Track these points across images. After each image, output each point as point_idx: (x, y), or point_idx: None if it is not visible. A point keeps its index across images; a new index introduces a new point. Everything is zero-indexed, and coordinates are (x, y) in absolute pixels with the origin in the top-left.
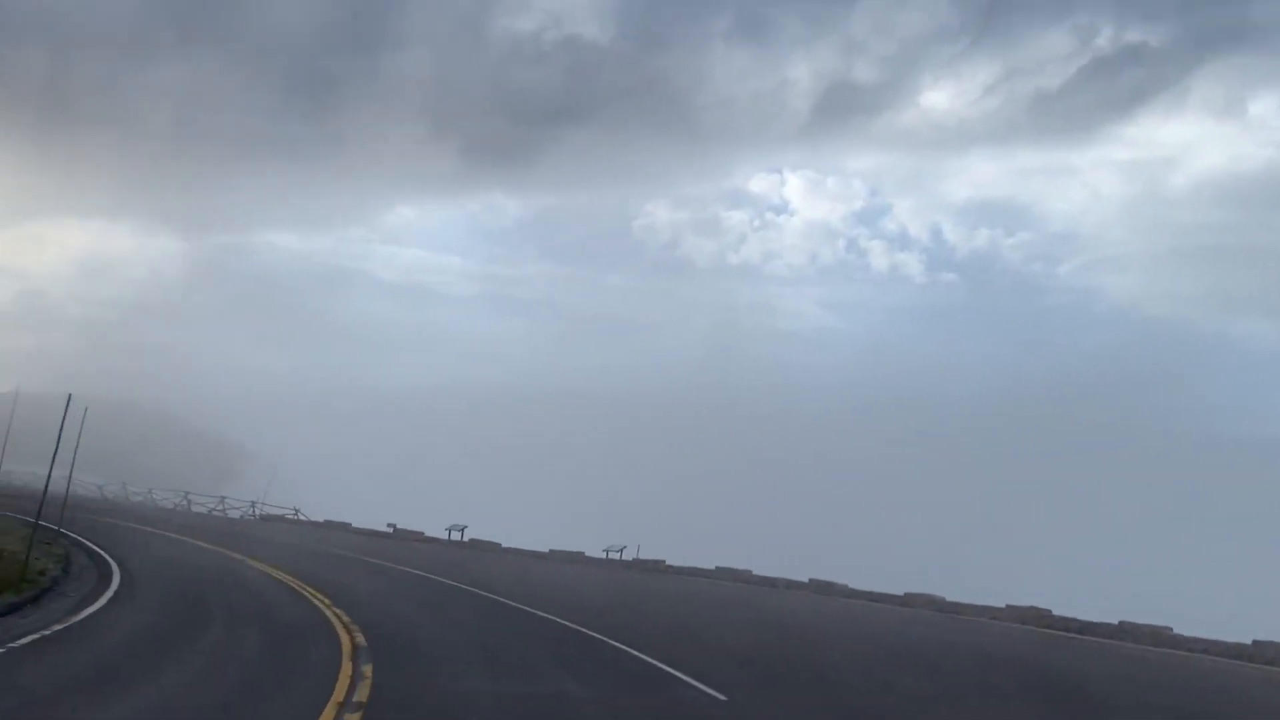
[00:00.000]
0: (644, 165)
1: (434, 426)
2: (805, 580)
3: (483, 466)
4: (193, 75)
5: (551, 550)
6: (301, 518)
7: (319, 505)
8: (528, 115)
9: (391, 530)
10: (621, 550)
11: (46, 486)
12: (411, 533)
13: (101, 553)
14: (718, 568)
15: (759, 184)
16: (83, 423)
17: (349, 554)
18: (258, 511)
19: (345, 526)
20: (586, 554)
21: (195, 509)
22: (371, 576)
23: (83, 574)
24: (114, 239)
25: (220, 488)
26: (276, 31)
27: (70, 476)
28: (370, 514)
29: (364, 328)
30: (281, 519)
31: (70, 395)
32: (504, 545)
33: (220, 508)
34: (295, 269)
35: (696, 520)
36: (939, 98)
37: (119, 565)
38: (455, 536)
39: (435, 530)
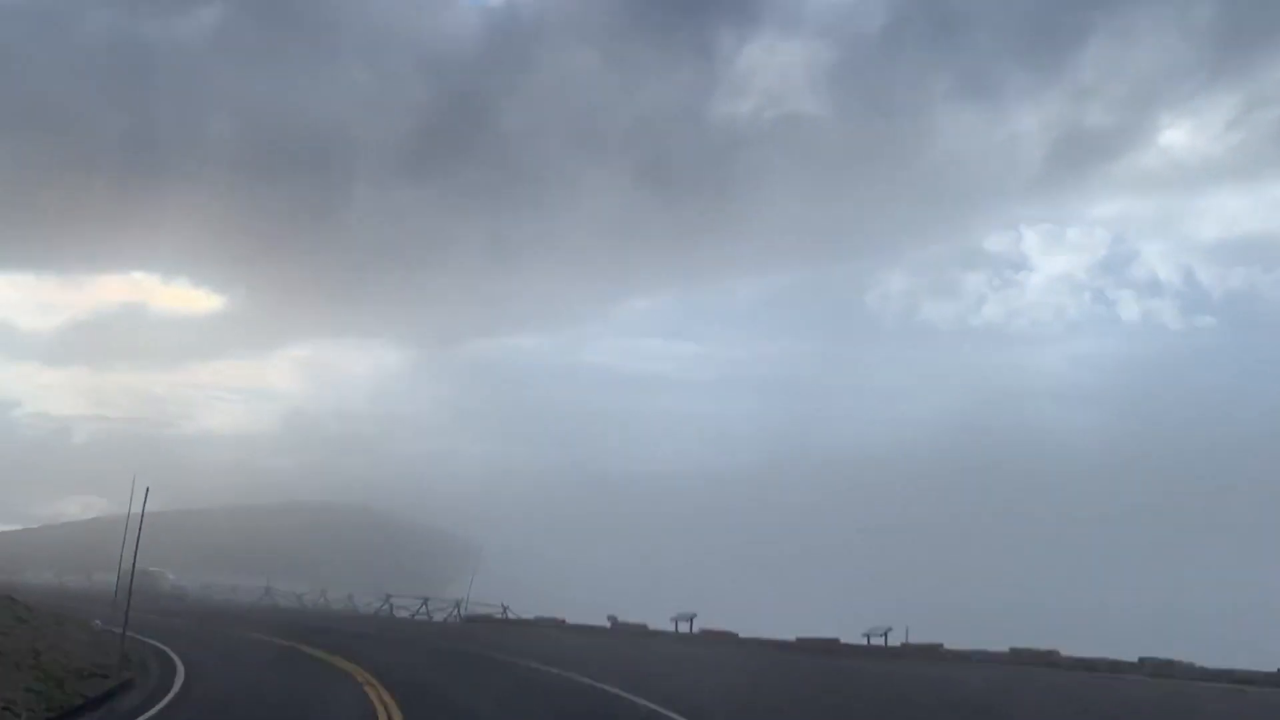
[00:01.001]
0: (875, 234)
1: (673, 512)
2: (1134, 659)
3: (722, 551)
4: (435, 192)
5: (799, 639)
6: (510, 615)
7: (541, 600)
8: (751, 194)
9: (611, 624)
10: (886, 633)
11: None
12: (632, 626)
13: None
14: (1013, 649)
15: (995, 242)
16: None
17: (517, 659)
18: (462, 611)
19: (558, 624)
20: (842, 640)
21: (399, 612)
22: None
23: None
24: (368, 354)
25: (447, 588)
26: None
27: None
28: (598, 606)
29: (601, 419)
30: (487, 619)
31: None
32: (741, 635)
33: (424, 610)
34: (535, 367)
35: (961, 593)
36: (1178, 136)
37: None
38: (683, 627)
39: (661, 621)
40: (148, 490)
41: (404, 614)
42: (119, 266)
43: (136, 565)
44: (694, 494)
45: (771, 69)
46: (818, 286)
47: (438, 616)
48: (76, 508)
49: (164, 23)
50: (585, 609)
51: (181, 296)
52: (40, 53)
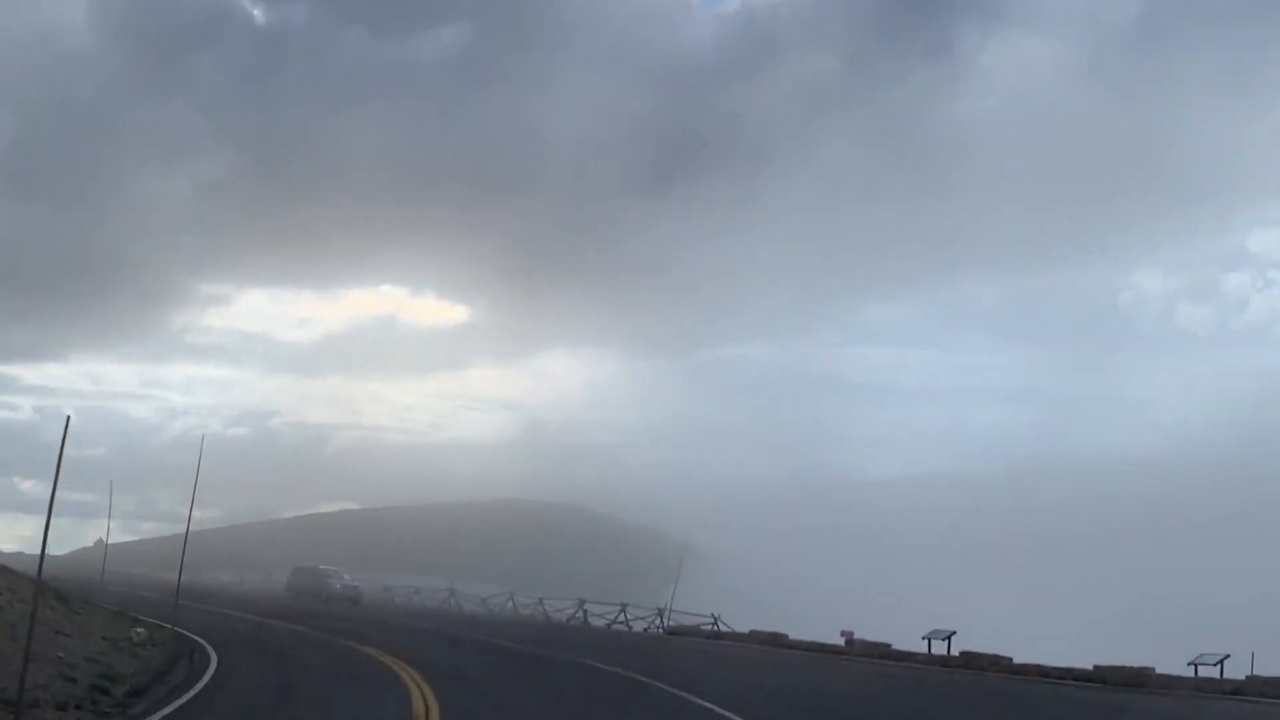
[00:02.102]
0: (1128, 234)
1: (906, 522)
2: None
3: (960, 563)
4: (670, 202)
5: (1097, 666)
6: (722, 627)
7: (761, 611)
8: (996, 195)
9: (846, 642)
10: (1221, 662)
11: None
12: (872, 645)
13: None
14: None
15: (1259, 240)
16: None
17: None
18: (666, 620)
19: (778, 639)
20: (1158, 671)
21: (595, 620)
22: None
23: None
24: (604, 366)
25: (661, 593)
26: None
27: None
28: (824, 620)
29: (834, 428)
30: (693, 631)
31: None
32: (1015, 660)
33: (621, 619)
34: (769, 377)
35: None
36: None
37: None
38: (937, 648)
39: (908, 640)
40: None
41: (600, 622)
42: (370, 281)
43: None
44: (929, 504)
45: (1015, 66)
46: (1066, 289)
47: (637, 625)
48: (332, 510)
49: (408, 43)
50: (809, 623)
51: (429, 309)
52: (293, 75)
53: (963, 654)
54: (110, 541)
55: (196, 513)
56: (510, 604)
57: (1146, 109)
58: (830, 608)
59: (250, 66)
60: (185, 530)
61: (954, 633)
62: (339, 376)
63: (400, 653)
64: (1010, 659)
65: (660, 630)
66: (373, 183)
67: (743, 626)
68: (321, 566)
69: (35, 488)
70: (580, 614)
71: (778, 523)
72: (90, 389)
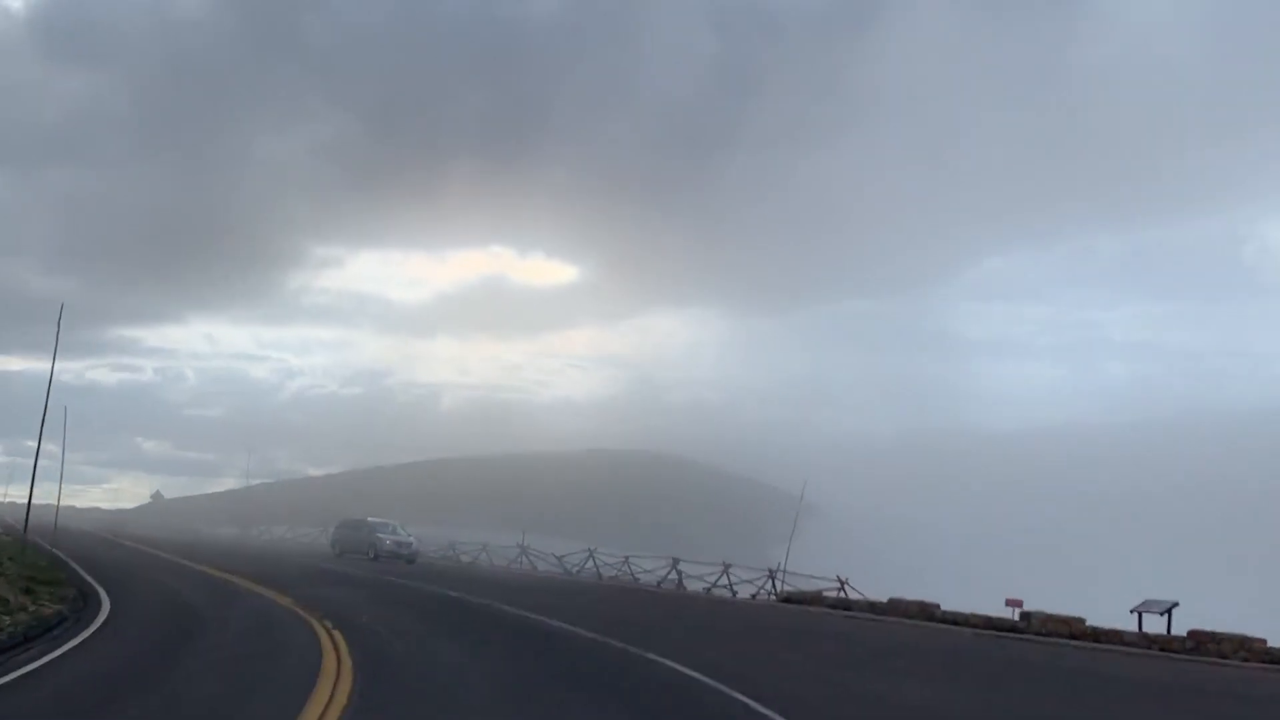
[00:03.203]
0: (1254, 181)
1: (1037, 476)
2: None
3: (1102, 518)
4: (776, 158)
5: None
6: (852, 593)
7: (891, 575)
8: (1114, 144)
9: (1018, 616)
10: None
11: None
12: (1059, 621)
13: None
14: None
15: None
16: None
17: None
18: (778, 585)
19: (928, 610)
20: None
21: (692, 583)
22: None
23: None
24: (709, 324)
25: (770, 551)
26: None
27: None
28: (965, 583)
29: (952, 385)
30: (816, 598)
31: None
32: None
33: (724, 582)
34: (881, 332)
35: None
36: None
37: None
38: (1152, 625)
39: (1084, 607)
40: None
41: (698, 585)
42: (479, 241)
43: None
44: (1053, 456)
45: (1136, 9)
46: (1188, 241)
47: (743, 590)
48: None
49: (518, 2)
50: (946, 586)
51: (537, 269)
52: (401, 34)
53: (1191, 634)
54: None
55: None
56: (590, 563)
57: (1270, 55)
58: (964, 568)
59: (361, 28)
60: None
61: (1176, 604)
62: (449, 336)
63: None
64: (1264, 641)
65: (771, 597)
66: (481, 143)
67: (872, 591)
68: (371, 519)
69: (157, 447)
70: (674, 575)
71: (896, 477)
72: (208, 350)
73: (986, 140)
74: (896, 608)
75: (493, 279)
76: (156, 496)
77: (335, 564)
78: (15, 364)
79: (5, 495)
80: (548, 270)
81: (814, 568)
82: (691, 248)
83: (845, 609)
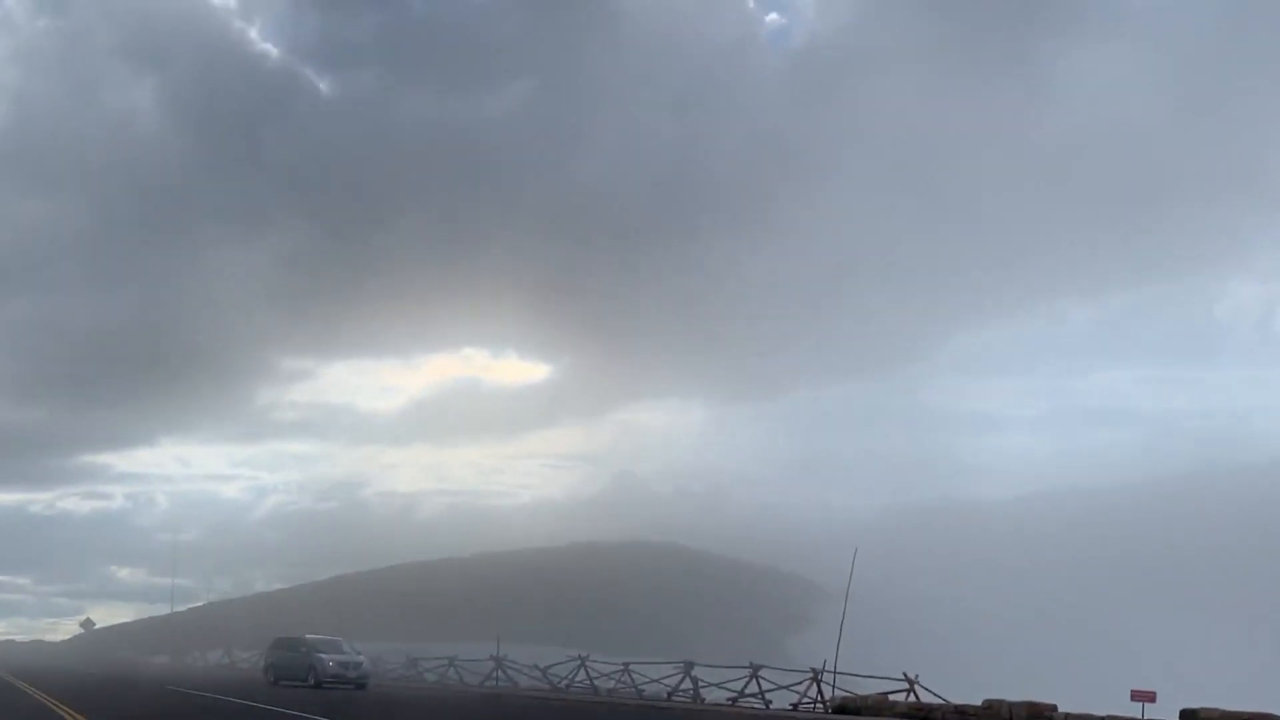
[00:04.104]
0: (1222, 243)
1: (1037, 542)
2: None
3: (1116, 580)
4: (748, 243)
5: None
6: (927, 695)
7: (930, 660)
8: (1079, 211)
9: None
10: None
11: None
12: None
13: None
14: None
15: None
16: None
17: None
18: (826, 690)
19: (1043, 712)
20: None
21: (710, 693)
22: None
23: None
24: (689, 414)
25: (787, 643)
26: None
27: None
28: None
29: (933, 459)
30: (883, 705)
31: None
32: None
33: (753, 689)
34: (859, 414)
35: None
36: None
37: None
38: None
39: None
40: None
41: (719, 694)
42: (451, 345)
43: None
44: (1048, 521)
45: (1095, 77)
46: (1159, 304)
47: (779, 699)
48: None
49: (474, 102)
50: (1015, 675)
51: (511, 369)
52: (361, 142)
53: None
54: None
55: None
56: (582, 674)
57: (1234, 117)
58: (1010, 649)
59: (319, 137)
60: None
61: None
62: (425, 443)
63: None
64: None
65: (819, 706)
66: (446, 246)
67: (936, 687)
68: (310, 636)
69: (132, 575)
70: (687, 685)
71: (897, 554)
72: (180, 472)
73: (952, 215)
74: (997, 712)
75: (466, 382)
76: (86, 624)
77: (259, 694)
78: None
79: None
80: (521, 370)
81: (853, 663)
82: (667, 339)
83: (923, 718)
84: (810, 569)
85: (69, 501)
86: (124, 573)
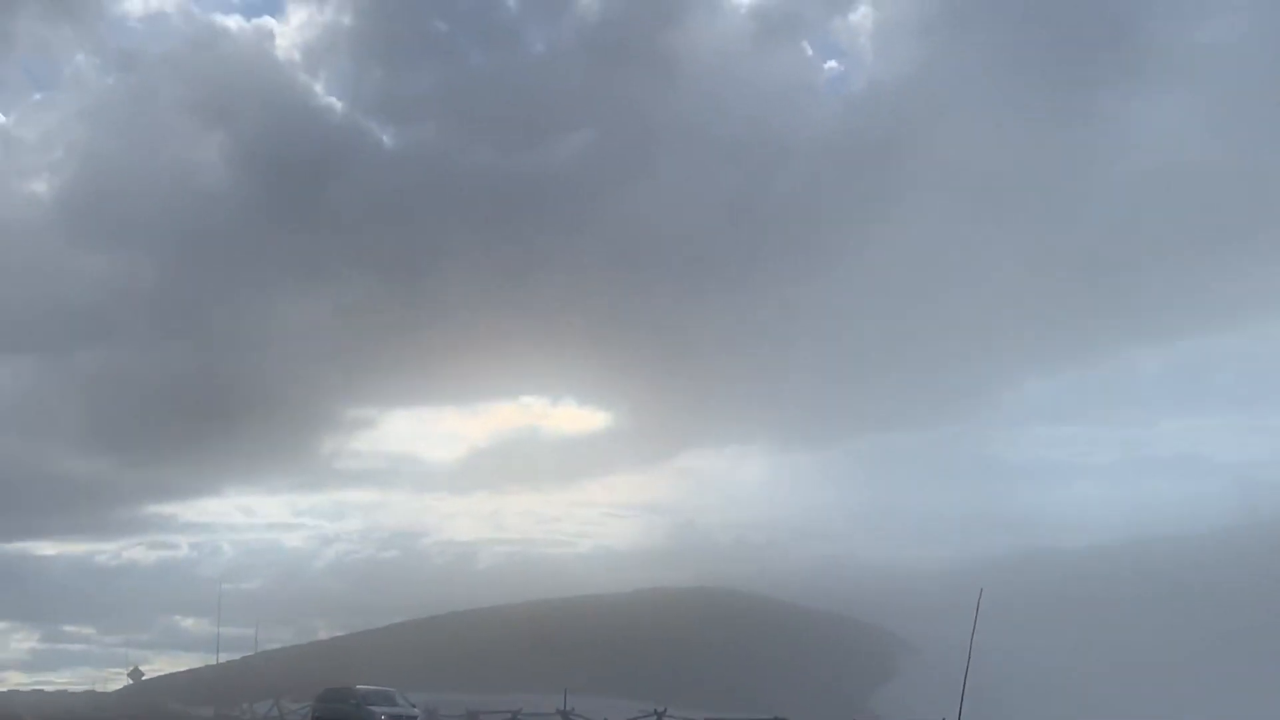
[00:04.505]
0: None
1: (1116, 591)
2: None
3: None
4: (817, 289)
5: None
6: None
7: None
8: (1147, 257)
9: None
10: None
11: None
12: None
13: None
14: None
15: None
16: None
17: None
18: None
19: None
20: None
21: None
22: None
23: None
24: (749, 462)
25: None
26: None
27: None
28: None
29: (1001, 510)
30: None
31: None
32: None
33: None
34: (923, 463)
35: None
36: None
37: None
38: None
39: None
40: None
41: None
42: (510, 393)
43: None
44: (1128, 570)
45: (1157, 122)
46: (1229, 351)
47: None
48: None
49: (533, 153)
50: None
51: (569, 416)
52: (420, 195)
53: None
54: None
55: None
56: None
57: None
58: (1087, 700)
59: (381, 189)
60: None
61: None
62: (485, 491)
63: None
64: None
65: None
66: (506, 294)
67: None
68: (361, 687)
69: (196, 625)
70: None
71: (970, 606)
72: (244, 522)
73: (1019, 261)
74: None
75: (526, 430)
76: (135, 674)
77: None
78: (49, 548)
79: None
80: (580, 418)
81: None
82: (726, 385)
83: None
84: (886, 619)
85: (135, 551)
86: (188, 622)
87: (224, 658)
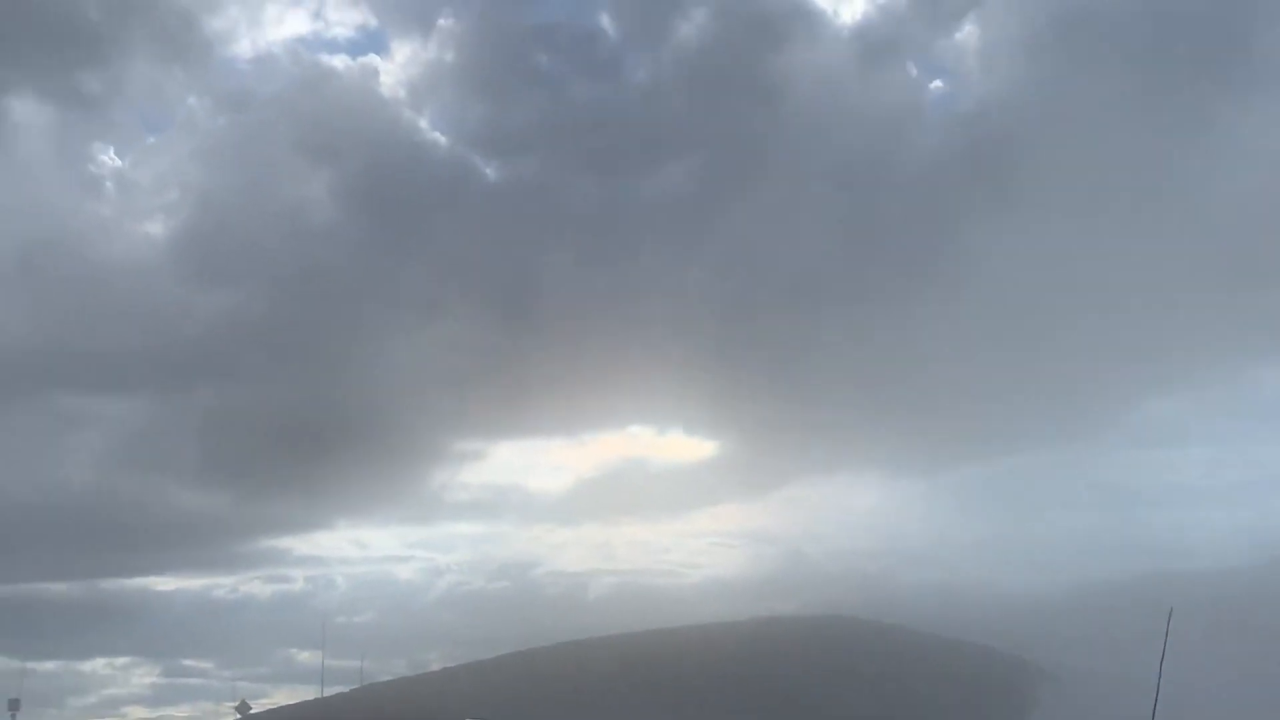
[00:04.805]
0: None
1: (1245, 629)
2: None
3: None
4: (921, 314)
5: None
6: None
7: None
8: (1272, 273)
9: None
10: None
11: None
12: None
13: None
14: None
15: None
16: None
17: None
18: None
19: None
20: None
21: None
22: None
23: None
24: (860, 490)
25: None
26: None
27: None
28: None
29: (1125, 535)
30: None
31: None
32: None
33: None
34: (1041, 487)
35: None
36: None
37: None
38: None
39: None
40: None
41: None
42: (617, 423)
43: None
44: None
45: (1275, 139)
46: None
47: None
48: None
49: (636, 183)
50: None
51: (677, 446)
52: (524, 227)
53: None
54: None
55: None
56: None
57: None
58: None
59: (486, 223)
60: None
61: None
62: (594, 522)
63: None
64: None
65: None
66: (612, 324)
67: None
68: None
69: (312, 658)
70: None
71: (1100, 633)
72: (357, 554)
73: (1134, 279)
74: None
75: (633, 460)
76: (242, 708)
77: None
78: (168, 583)
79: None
80: (688, 447)
81: None
82: (835, 412)
83: None
84: (1018, 648)
85: (252, 585)
86: (304, 655)
87: (331, 690)
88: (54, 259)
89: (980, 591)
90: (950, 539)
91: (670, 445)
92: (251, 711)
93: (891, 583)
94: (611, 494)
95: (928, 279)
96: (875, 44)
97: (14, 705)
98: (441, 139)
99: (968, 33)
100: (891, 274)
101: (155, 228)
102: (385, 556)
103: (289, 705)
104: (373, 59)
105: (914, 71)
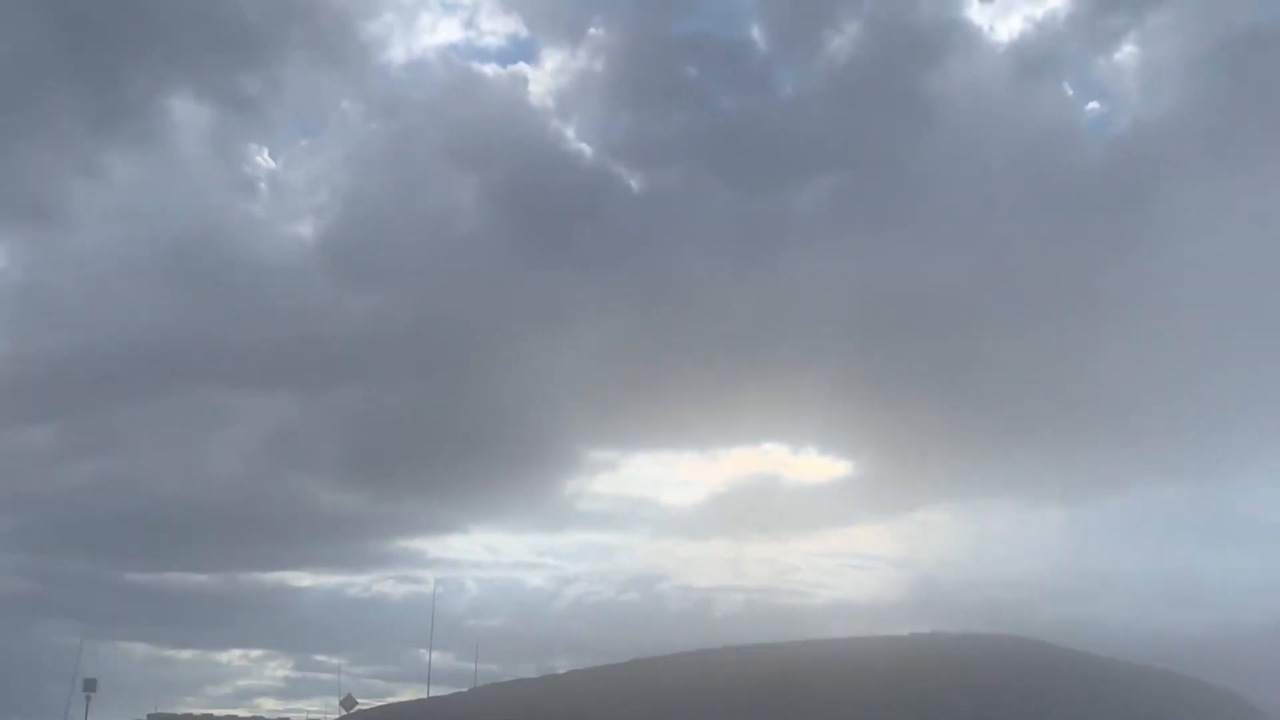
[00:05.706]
0: None
1: None
2: None
3: None
4: (1066, 334)
5: None
6: None
7: None
8: None
9: None
10: None
11: None
12: None
13: None
14: None
15: None
16: None
17: None
18: None
19: None
20: None
21: None
22: None
23: None
24: (995, 517)
25: None
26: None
27: None
28: None
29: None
30: None
31: None
32: None
33: None
34: (1185, 523)
35: None
36: None
37: None
38: None
39: None
40: None
41: None
42: (751, 439)
43: None
44: None
45: None
46: None
47: None
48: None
49: (781, 197)
50: None
51: (810, 465)
52: (667, 238)
53: None
54: None
55: None
56: None
57: None
58: None
59: (629, 233)
60: None
61: None
62: (723, 538)
63: None
64: None
65: None
66: (751, 339)
67: None
68: None
69: (440, 659)
70: None
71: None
72: (488, 559)
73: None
74: None
75: (765, 477)
76: (347, 702)
77: None
78: (305, 579)
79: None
80: (821, 466)
81: None
82: (973, 435)
83: None
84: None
85: (385, 585)
86: (433, 656)
87: (437, 691)
88: (207, 256)
89: (1140, 627)
90: (1091, 572)
91: (803, 464)
92: (356, 708)
93: (1034, 615)
94: (742, 510)
95: (1073, 305)
96: (1032, 61)
97: (90, 685)
98: (587, 149)
99: (1127, 53)
100: (1037, 298)
101: (305, 229)
102: (516, 563)
103: (395, 703)
104: (522, 68)
105: (1070, 91)
